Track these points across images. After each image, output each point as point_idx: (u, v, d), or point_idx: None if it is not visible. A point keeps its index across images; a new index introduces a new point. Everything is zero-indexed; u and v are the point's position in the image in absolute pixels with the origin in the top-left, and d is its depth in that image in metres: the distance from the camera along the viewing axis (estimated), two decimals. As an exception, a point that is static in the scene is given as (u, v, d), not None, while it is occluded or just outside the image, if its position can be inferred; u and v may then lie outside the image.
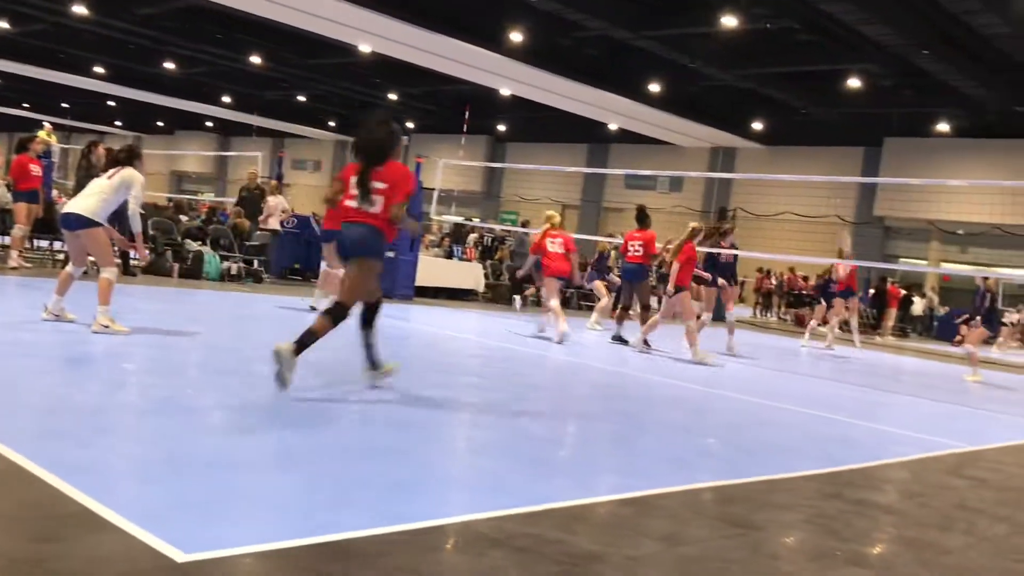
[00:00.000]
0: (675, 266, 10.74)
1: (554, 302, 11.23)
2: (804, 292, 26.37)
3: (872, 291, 24.52)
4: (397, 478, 3.84)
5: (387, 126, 5.72)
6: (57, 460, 3.43)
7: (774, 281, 27.78)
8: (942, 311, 28.98)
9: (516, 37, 24.96)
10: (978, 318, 13.31)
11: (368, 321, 5.95)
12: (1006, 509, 4.79)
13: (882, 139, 32.25)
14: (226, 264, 14.11)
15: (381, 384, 5.92)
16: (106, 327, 6.79)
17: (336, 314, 5.58)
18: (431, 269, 16.08)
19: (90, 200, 7.00)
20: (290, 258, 16.32)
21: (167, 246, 13.67)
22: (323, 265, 11.07)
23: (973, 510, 4.66)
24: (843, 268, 15.94)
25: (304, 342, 5.39)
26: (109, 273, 6.97)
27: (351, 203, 5.59)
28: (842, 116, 31.13)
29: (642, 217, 12.18)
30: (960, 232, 30.77)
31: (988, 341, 17.47)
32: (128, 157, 7.31)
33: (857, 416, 7.96)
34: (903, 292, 25.92)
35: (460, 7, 24.23)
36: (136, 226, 7.39)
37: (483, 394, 6.72)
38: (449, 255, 18.12)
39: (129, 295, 10.05)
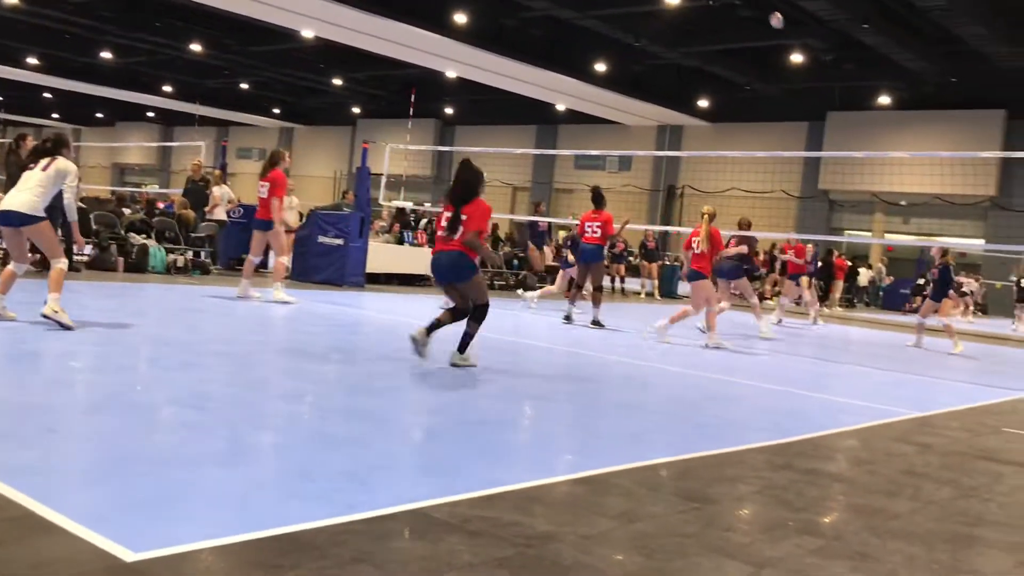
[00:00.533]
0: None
1: None
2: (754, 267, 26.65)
3: (819, 264, 24.83)
4: (351, 468, 3.82)
5: (473, 169, 6.96)
6: (-1, 463, 3.35)
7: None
8: (887, 281, 29.54)
9: (460, 18, 24.82)
10: (950, 291, 13.41)
11: (476, 317, 6.95)
12: (951, 473, 4.90)
13: (825, 113, 32.66)
14: (172, 256, 13.89)
15: (458, 366, 6.83)
16: (56, 312, 6.75)
17: (482, 315, 6.96)
18: (382, 255, 15.97)
19: (27, 195, 6.86)
20: (237, 248, 16.05)
21: (111, 240, 13.40)
22: (283, 258, 11.00)
23: (920, 475, 4.76)
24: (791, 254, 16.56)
25: (466, 344, 6.88)
26: (61, 264, 6.97)
27: (440, 233, 6.89)
28: (785, 91, 31.47)
29: (598, 198, 12.21)
30: (903, 203, 31.34)
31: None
32: (56, 146, 7.20)
33: (807, 388, 8.09)
34: (849, 264, 26.34)
35: (403, -11, 24.01)
36: (72, 215, 7.26)
37: (436, 379, 6.70)
38: (400, 241, 17.98)
39: (74, 291, 9.83)
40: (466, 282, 6.85)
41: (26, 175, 7.05)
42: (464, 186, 6.87)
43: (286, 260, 11.09)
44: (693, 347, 10.80)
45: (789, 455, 4.92)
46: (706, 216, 10.70)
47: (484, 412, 5.41)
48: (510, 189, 39.28)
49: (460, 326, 6.97)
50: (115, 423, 4.22)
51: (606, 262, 17.06)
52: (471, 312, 6.93)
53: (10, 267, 7.08)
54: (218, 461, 3.77)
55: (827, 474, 4.61)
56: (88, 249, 12.98)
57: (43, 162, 7.05)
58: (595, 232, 11.89)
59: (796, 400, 7.24)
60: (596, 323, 11.59)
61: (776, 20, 15.81)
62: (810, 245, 17.66)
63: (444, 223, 6.83)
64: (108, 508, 3.02)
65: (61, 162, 7.06)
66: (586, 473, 4.07)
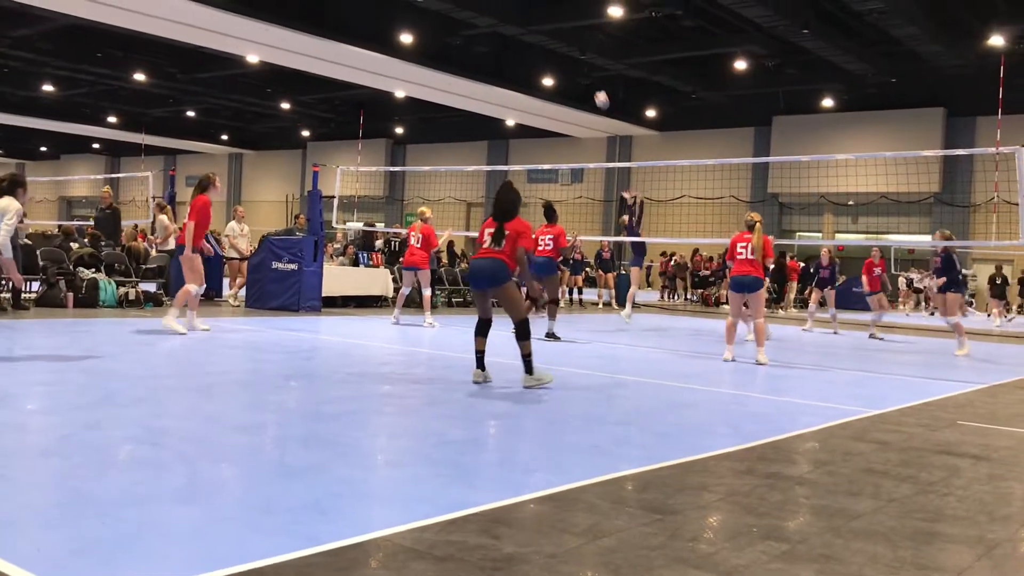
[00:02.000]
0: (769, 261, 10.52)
1: (404, 290, 13.57)
2: (708, 273, 26.92)
3: (772, 266, 25.14)
4: (312, 498, 3.77)
5: (514, 191, 7.57)
6: (-52, 514, 3.26)
7: (674, 261, 28.31)
8: (840, 280, 29.96)
9: (406, 39, 24.84)
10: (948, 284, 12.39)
11: (522, 336, 7.23)
12: (909, 469, 4.97)
13: (771, 118, 33.20)
14: (123, 290, 13.67)
15: (535, 388, 7.10)
16: None
17: (524, 330, 7.21)
18: (338, 278, 15.89)
19: None
20: (190, 278, 15.91)
21: (59, 275, 13.16)
22: (190, 287, 10.48)
23: (879, 473, 4.82)
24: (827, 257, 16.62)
25: (529, 363, 7.18)
26: None
27: (484, 244, 7.39)
28: (731, 98, 31.95)
29: (550, 212, 12.32)
30: (851, 203, 31.89)
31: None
32: (10, 186, 7.36)
33: (765, 391, 8.17)
34: (802, 265, 26.71)
35: (346, 11, 23.97)
36: (6, 252, 7.36)
37: (397, 402, 6.66)
38: (355, 263, 17.89)
39: (22, 331, 9.65)
40: (499, 287, 7.28)
41: None
42: (506, 204, 7.43)
43: (194, 289, 10.48)
44: (647, 354, 10.86)
45: (750, 460, 4.96)
46: (758, 224, 10.36)
47: (446, 432, 5.38)
48: (464, 206, 39.31)
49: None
50: (68, 464, 4.13)
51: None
52: (515, 333, 7.27)
53: None
54: (176, 498, 3.70)
55: (789, 477, 4.65)
56: (36, 286, 12.75)
57: None
58: (548, 245, 11.96)
59: (755, 404, 7.30)
60: (551, 335, 11.61)
61: (600, 99, 15.59)
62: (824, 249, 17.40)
63: (488, 236, 7.36)
64: (63, 554, 2.94)
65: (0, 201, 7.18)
66: (551, 490, 4.06)
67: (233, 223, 16.35)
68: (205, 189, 10.59)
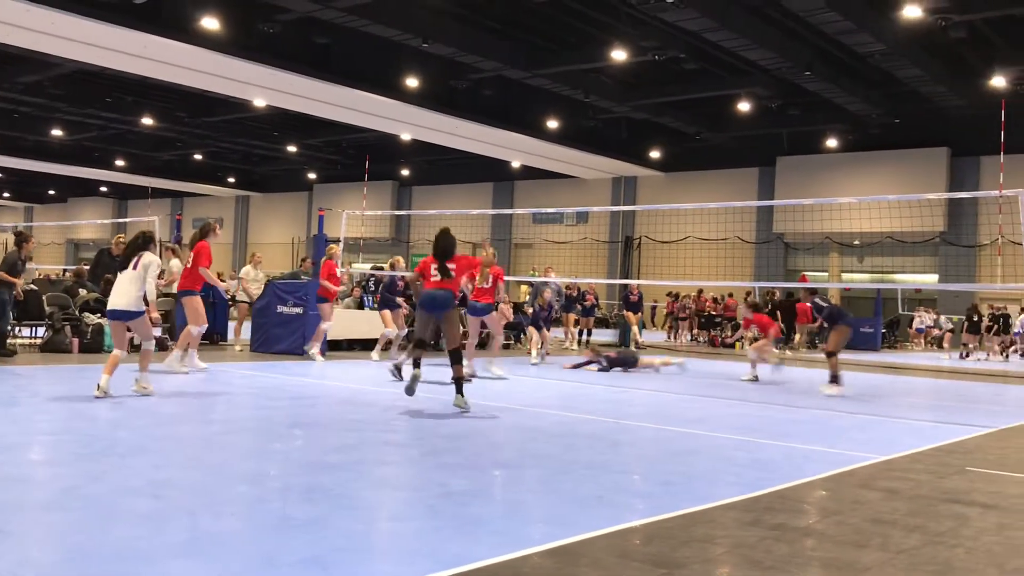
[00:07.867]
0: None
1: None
2: (715, 314, 26.85)
3: (770, 307, 24.96)
4: (313, 552, 3.74)
5: (450, 236, 8.88)
6: (-53, 572, 3.24)
7: (681, 303, 28.23)
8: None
9: (412, 82, 25.10)
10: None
11: (455, 360, 8.49)
12: (918, 519, 4.91)
13: (775, 158, 33.36)
14: (129, 334, 13.65)
15: (462, 409, 8.29)
16: None
17: (457, 356, 8.51)
18: (342, 321, 15.88)
19: None
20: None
21: (64, 321, 13.19)
22: (191, 328, 11.09)
23: (887, 523, 4.77)
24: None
25: (460, 385, 8.44)
26: None
27: (435, 278, 8.62)
28: (735, 139, 32.16)
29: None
30: (856, 243, 31.89)
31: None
32: (144, 242, 8.79)
33: (770, 436, 8.10)
34: (810, 306, 26.58)
35: (352, 56, 24.24)
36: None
37: (399, 451, 6.62)
38: (360, 306, 17.90)
39: (27, 377, 9.64)
40: (449, 313, 8.54)
41: None
42: (448, 246, 8.83)
43: (195, 330, 11.11)
44: (649, 397, 10.80)
45: (757, 510, 4.91)
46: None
47: (447, 482, 5.34)
48: (470, 248, 39.40)
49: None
50: (71, 518, 4.11)
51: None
52: (450, 357, 8.52)
53: None
54: (177, 553, 3.68)
55: (795, 528, 4.60)
56: (41, 331, 12.78)
57: None
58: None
59: (759, 450, 7.23)
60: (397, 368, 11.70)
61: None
62: None
63: (436, 271, 8.64)
64: (61, 615, 2.92)
65: None
66: (554, 544, 4.03)
67: (249, 267, 16.40)
68: (206, 235, 11.33)
